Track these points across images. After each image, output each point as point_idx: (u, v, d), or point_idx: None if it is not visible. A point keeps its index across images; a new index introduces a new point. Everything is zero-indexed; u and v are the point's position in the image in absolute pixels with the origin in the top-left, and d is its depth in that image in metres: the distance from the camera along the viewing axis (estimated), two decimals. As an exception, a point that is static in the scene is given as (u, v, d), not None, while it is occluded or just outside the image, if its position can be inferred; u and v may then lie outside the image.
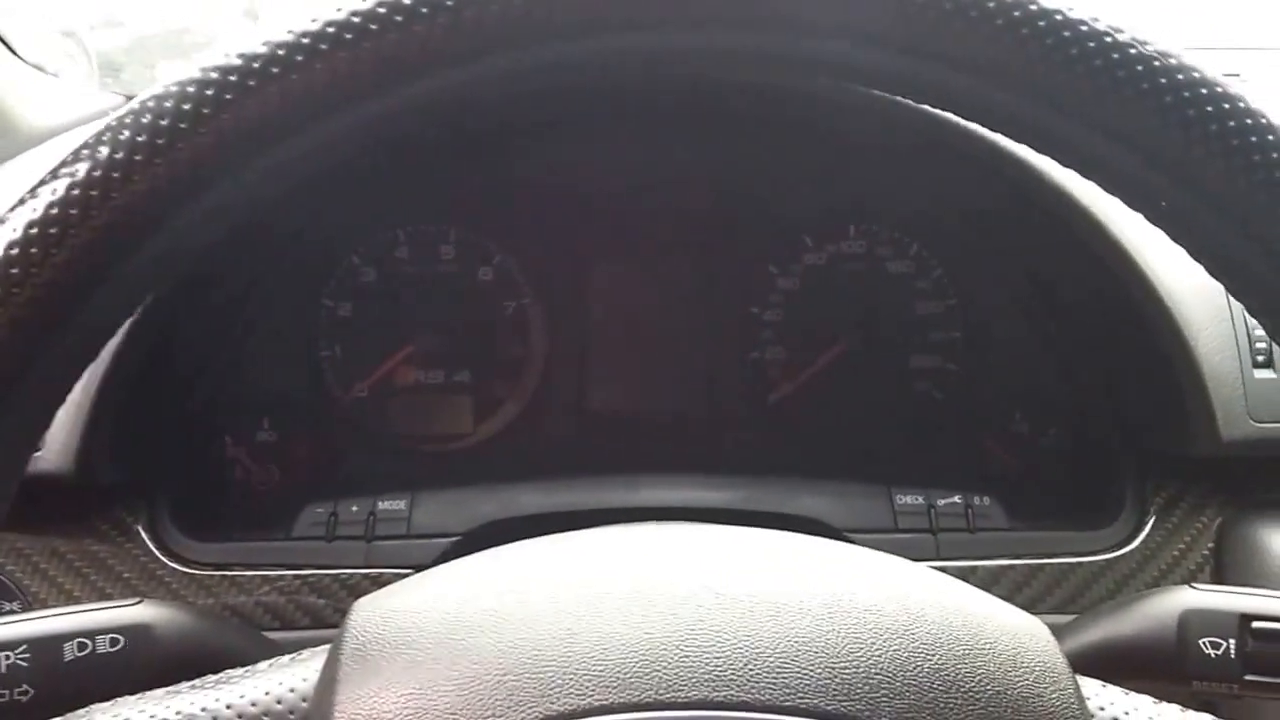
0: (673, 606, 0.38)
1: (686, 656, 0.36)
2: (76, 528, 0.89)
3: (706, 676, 0.36)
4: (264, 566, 0.91)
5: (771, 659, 0.36)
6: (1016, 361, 1.02)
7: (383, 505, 0.96)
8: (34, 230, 0.37)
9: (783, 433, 1.03)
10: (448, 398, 1.03)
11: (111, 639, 0.52)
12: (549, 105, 0.92)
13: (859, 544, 0.89)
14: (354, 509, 0.95)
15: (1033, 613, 0.43)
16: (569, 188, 1.02)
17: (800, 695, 0.35)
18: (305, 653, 0.43)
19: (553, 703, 0.35)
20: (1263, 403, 0.82)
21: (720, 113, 0.95)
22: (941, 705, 0.36)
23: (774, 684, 0.35)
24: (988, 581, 0.89)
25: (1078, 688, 0.39)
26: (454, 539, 0.94)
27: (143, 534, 0.90)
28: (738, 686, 0.35)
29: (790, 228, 1.03)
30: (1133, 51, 0.39)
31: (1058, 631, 0.58)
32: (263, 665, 0.42)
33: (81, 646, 0.51)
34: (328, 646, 0.41)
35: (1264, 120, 0.38)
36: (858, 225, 1.03)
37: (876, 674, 0.36)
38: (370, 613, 0.40)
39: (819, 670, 0.36)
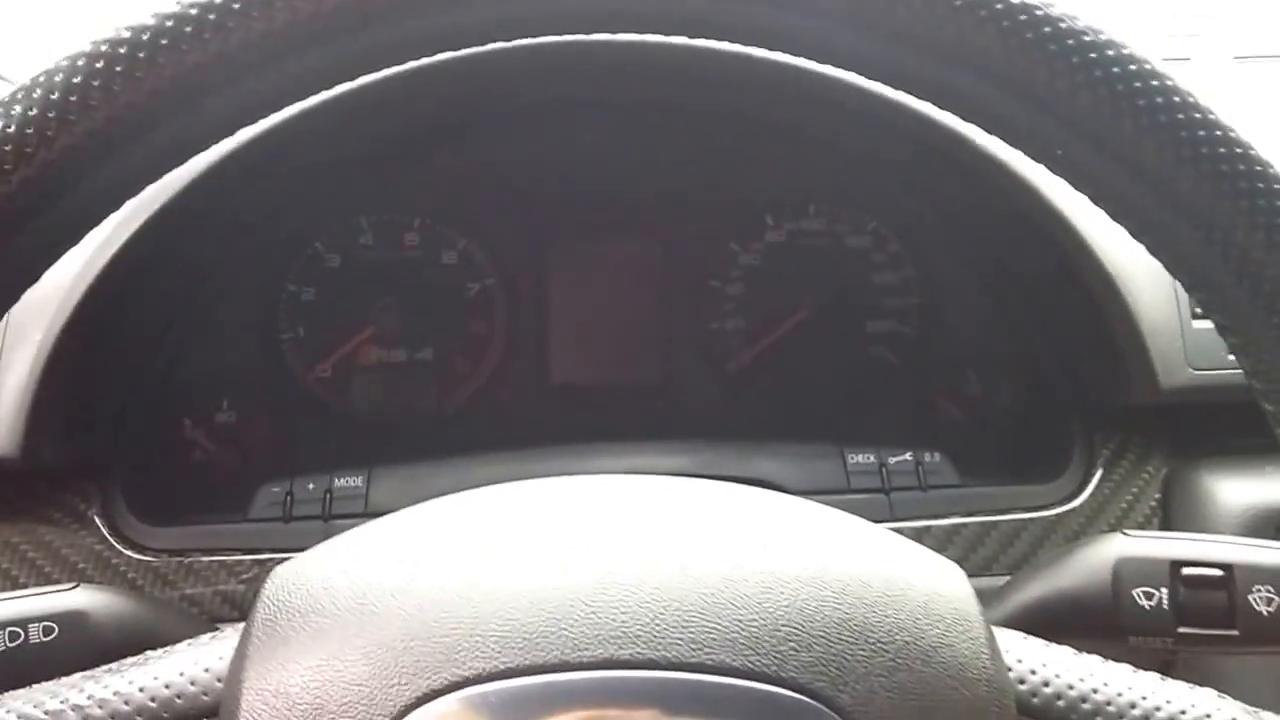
0: (585, 563, 0.37)
1: (594, 614, 0.36)
2: (28, 515, 0.88)
3: (613, 635, 0.35)
4: (221, 551, 0.90)
5: (679, 614, 0.36)
6: (969, 324, 1.02)
7: (339, 483, 0.95)
8: None
9: (741, 400, 1.04)
10: (410, 375, 1.03)
11: (45, 628, 0.51)
12: (512, 94, 0.91)
13: (812, 505, 0.90)
14: (310, 487, 0.94)
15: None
16: (532, 175, 1.02)
17: (707, 651, 0.35)
18: (226, 630, 0.42)
19: (458, 667, 0.35)
20: (1201, 351, 0.83)
21: (677, 102, 0.95)
22: (848, 656, 0.36)
23: (680, 640, 0.35)
24: (941, 542, 0.89)
25: (990, 636, 0.39)
26: None
27: (97, 520, 0.89)
28: (644, 644, 0.35)
29: (751, 210, 1.04)
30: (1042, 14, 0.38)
31: (1000, 590, 0.58)
32: (181, 645, 0.41)
33: (14, 636, 0.50)
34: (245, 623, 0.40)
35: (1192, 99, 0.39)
36: (817, 204, 1.04)
37: (784, 626, 0.36)
38: (283, 581, 0.39)
39: (726, 625, 0.36)
